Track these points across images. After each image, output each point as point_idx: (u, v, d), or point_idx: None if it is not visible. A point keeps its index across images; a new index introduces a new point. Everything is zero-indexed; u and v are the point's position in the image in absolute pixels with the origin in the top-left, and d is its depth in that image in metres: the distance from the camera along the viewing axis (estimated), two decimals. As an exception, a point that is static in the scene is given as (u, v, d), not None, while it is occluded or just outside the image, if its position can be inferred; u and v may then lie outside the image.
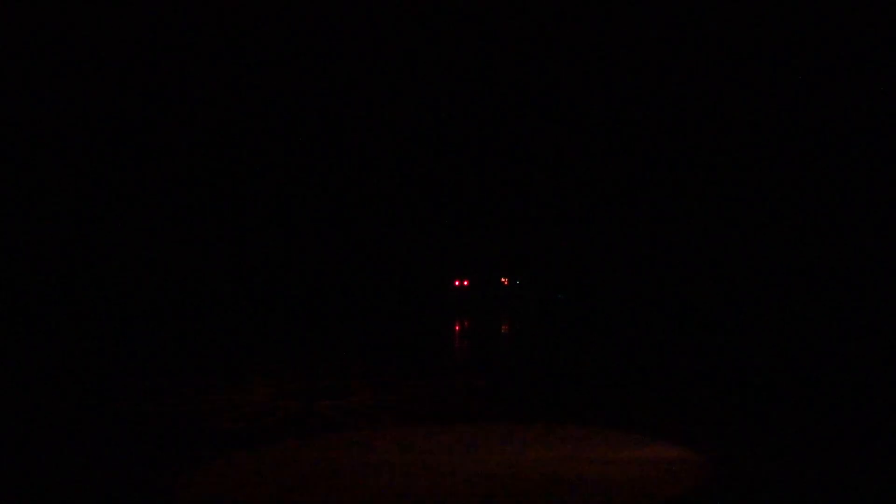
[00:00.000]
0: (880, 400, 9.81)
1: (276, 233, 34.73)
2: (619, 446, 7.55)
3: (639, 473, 6.55)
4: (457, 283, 35.71)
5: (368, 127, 35.15)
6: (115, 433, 8.41)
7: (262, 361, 15.15)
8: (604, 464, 6.84)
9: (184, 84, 32.35)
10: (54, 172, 28.94)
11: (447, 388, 11.71)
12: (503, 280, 36.40)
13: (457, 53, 35.08)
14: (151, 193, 31.80)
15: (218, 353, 16.84)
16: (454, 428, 8.59)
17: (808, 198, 32.35)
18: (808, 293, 31.14)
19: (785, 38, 29.74)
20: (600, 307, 33.62)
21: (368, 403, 10.05)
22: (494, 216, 37.78)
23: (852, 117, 31.46)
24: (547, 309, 33.92)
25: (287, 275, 34.69)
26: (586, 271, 37.50)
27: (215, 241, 33.44)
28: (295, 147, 34.55)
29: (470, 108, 35.85)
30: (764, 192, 33.06)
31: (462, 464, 6.86)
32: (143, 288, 30.65)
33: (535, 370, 14.08)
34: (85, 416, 9.35)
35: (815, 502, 5.83)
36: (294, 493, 6.22)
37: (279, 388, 11.34)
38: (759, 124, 32.75)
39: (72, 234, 29.37)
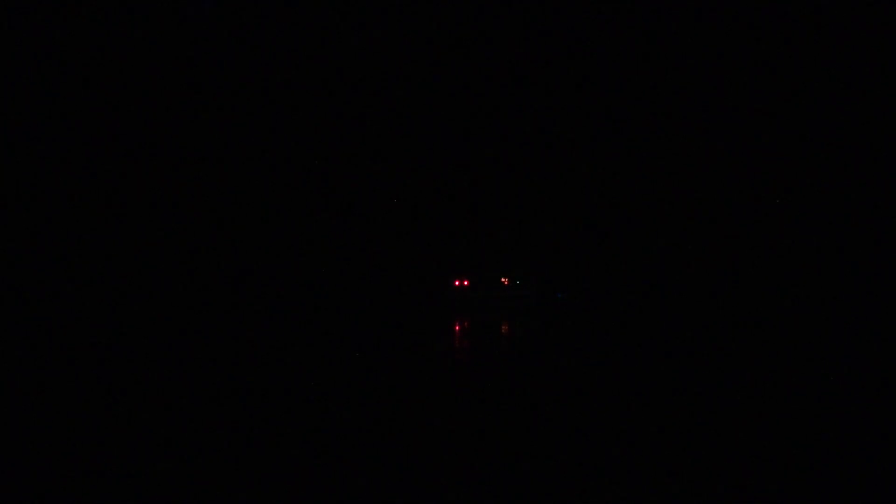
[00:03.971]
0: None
1: (277, 233, 34.75)
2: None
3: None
4: (457, 283, 35.78)
5: (370, 128, 35.17)
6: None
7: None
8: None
9: (183, 83, 32.33)
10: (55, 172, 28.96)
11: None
12: (503, 280, 36.45)
13: (458, 54, 35.11)
14: (150, 193, 31.81)
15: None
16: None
17: (806, 198, 32.31)
18: (804, 292, 31.11)
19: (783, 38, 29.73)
20: (599, 306, 33.65)
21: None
22: (494, 216, 37.82)
23: (852, 117, 31.39)
24: (546, 308, 33.97)
25: (288, 275, 34.71)
26: (586, 271, 37.52)
27: (220, 242, 33.45)
28: (296, 148, 34.56)
29: (470, 110, 35.87)
30: (762, 192, 33.04)
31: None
32: (143, 288, 30.68)
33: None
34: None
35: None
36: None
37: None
38: (758, 124, 32.70)
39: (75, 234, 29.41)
